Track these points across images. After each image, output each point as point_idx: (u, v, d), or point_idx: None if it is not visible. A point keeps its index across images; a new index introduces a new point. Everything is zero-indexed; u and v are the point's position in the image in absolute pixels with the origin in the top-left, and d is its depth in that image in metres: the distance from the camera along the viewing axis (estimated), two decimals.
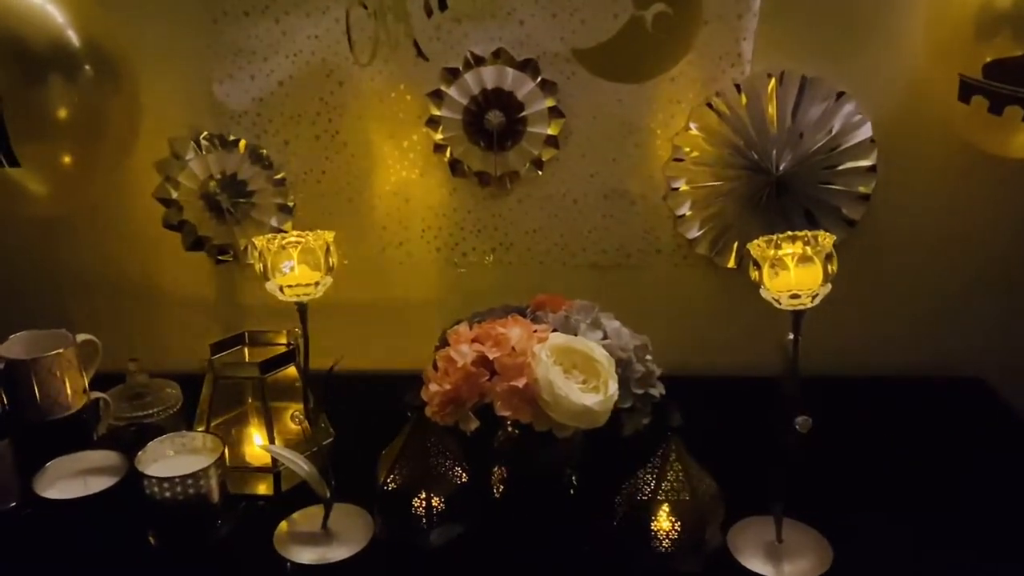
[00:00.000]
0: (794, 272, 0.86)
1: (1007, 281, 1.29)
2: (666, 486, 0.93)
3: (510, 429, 0.98)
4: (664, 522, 0.93)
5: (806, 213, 1.23)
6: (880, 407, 1.25)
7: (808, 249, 0.85)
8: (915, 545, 0.97)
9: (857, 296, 1.27)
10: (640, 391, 0.94)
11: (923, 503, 1.04)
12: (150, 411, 1.14)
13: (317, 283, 0.92)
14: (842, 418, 1.13)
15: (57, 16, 1.11)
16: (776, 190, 1.21)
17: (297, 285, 0.91)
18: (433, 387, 0.89)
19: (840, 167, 1.22)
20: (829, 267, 0.86)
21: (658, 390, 0.96)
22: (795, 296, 0.85)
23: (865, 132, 1.21)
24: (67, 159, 1.14)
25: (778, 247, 0.87)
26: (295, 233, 0.92)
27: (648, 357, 0.96)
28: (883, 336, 1.32)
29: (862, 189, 1.23)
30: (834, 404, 1.03)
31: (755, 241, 0.89)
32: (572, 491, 1.01)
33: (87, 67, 1.12)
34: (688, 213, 1.27)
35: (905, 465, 1.11)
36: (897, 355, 1.31)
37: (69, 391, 1.07)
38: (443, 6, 1.18)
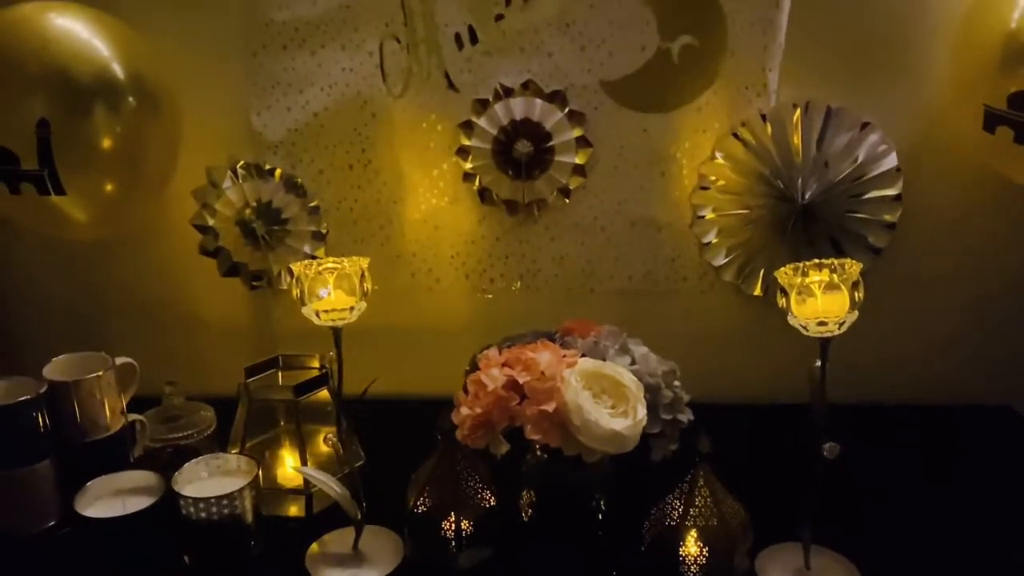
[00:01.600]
0: (821, 299, 0.87)
1: None
2: (694, 512, 0.94)
3: (539, 453, 0.99)
4: (692, 548, 0.93)
5: (832, 241, 1.24)
6: (907, 434, 1.25)
7: (835, 277, 0.87)
8: (943, 572, 0.97)
9: (884, 323, 1.27)
10: (668, 417, 0.95)
11: (951, 530, 1.04)
12: (185, 433, 1.16)
13: (352, 308, 0.95)
14: (870, 445, 1.13)
15: (103, 49, 1.15)
16: (802, 218, 1.23)
17: (333, 310, 0.94)
18: (464, 411, 0.91)
19: (866, 196, 1.23)
20: (856, 295, 0.87)
21: (686, 416, 0.97)
22: (822, 323, 0.86)
23: (890, 161, 1.22)
24: (109, 187, 1.17)
25: (805, 275, 0.88)
26: (331, 259, 0.95)
27: (676, 383, 0.97)
28: (910, 363, 1.32)
29: (888, 218, 1.24)
30: (862, 431, 1.04)
31: (782, 269, 0.90)
32: (600, 516, 1.01)
33: (131, 98, 1.16)
34: (714, 240, 1.28)
35: (933, 492, 1.11)
36: (925, 382, 1.31)
37: (108, 413, 1.09)
38: (474, 39, 1.22)
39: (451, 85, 1.24)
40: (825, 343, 0.89)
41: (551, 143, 1.24)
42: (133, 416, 1.14)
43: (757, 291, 1.29)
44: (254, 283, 1.33)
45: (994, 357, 1.31)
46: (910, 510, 1.08)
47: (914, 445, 1.22)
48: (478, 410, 0.90)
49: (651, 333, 1.05)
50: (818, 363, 0.91)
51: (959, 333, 1.31)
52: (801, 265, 0.89)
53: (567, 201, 1.29)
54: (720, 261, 1.29)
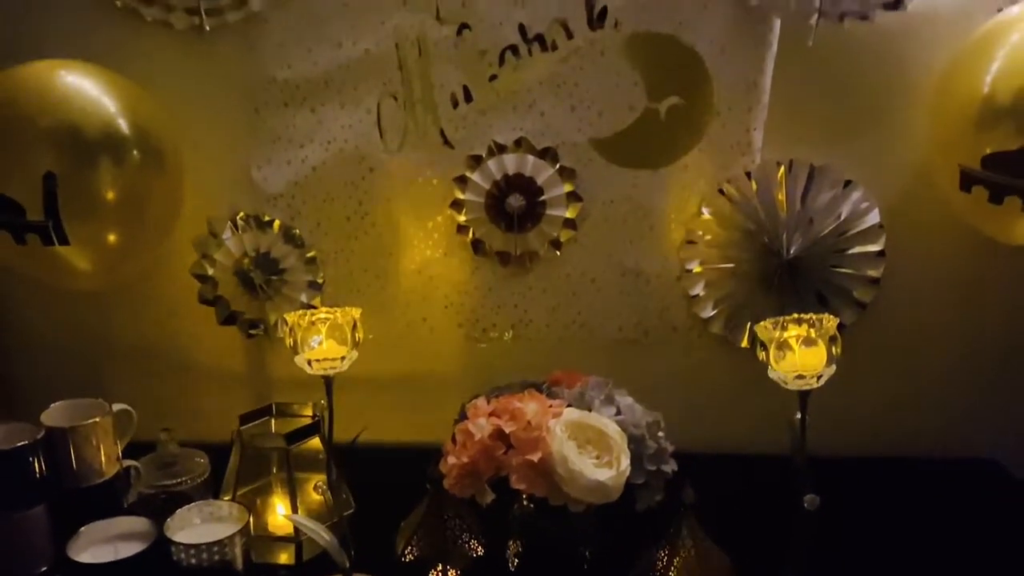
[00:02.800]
0: (799, 353, 0.89)
1: (1018, 361, 1.31)
2: (679, 562, 0.95)
3: (525, 503, 1.00)
4: None
5: (818, 295, 1.27)
6: (893, 486, 1.26)
7: (812, 331, 0.89)
8: None
9: (869, 376, 1.29)
10: (653, 467, 0.97)
11: None
12: (179, 480, 1.17)
13: (343, 358, 0.97)
14: (855, 497, 1.14)
15: (110, 105, 1.19)
16: (788, 272, 1.25)
17: (324, 359, 0.96)
18: (451, 459, 0.93)
19: (850, 251, 1.26)
20: (833, 349, 0.89)
21: (670, 467, 0.98)
22: (800, 377, 0.89)
23: (873, 218, 1.25)
24: (112, 237, 1.20)
25: (784, 329, 0.91)
26: (324, 310, 0.98)
27: (660, 433, 0.99)
28: (896, 416, 1.33)
29: (872, 273, 1.27)
30: (847, 483, 1.05)
31: (762, 323, 0.93)
32: (586, 566, 1.02)
33: (135, 152, 1.19)
34: (702, 293, 1.31)
35: (918, 544, 1.12)
36: (910, 435, 1.33)
37: (104, 459, 1.10)
38: (468, 98, 1.26)
39: (446, 141, 1.28)
40: (804, 396, 0.91)
41: (543, 197, 1.28)
42: (128, 462, 1.15)
43: (744, 343, 1.31)
44: (251, 331, 1.35)
45: (979, 410, 1.33)
46: (894, 562, 1.09)
47: (900, 497, 1.23)
48: (465, 459, 0.92)
49: (640, 383, 1.07)
50: (798, 415, 0.93)
51: (944, 386, 1.33)
52: (781, 320, 0.92)
53: (558, 253, 1.32)
54: (708, 313, 1.31)
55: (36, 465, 1.04)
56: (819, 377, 0.89)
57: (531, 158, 1.27)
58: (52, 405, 1.11)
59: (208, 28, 1.24)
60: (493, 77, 1.25)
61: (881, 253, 1.26)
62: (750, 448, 1.29)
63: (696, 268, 1.30)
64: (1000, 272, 1.28)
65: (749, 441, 1.29)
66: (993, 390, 1.33)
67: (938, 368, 1.32)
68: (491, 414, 0.94)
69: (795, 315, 0.92)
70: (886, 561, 1.09)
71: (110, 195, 1.17)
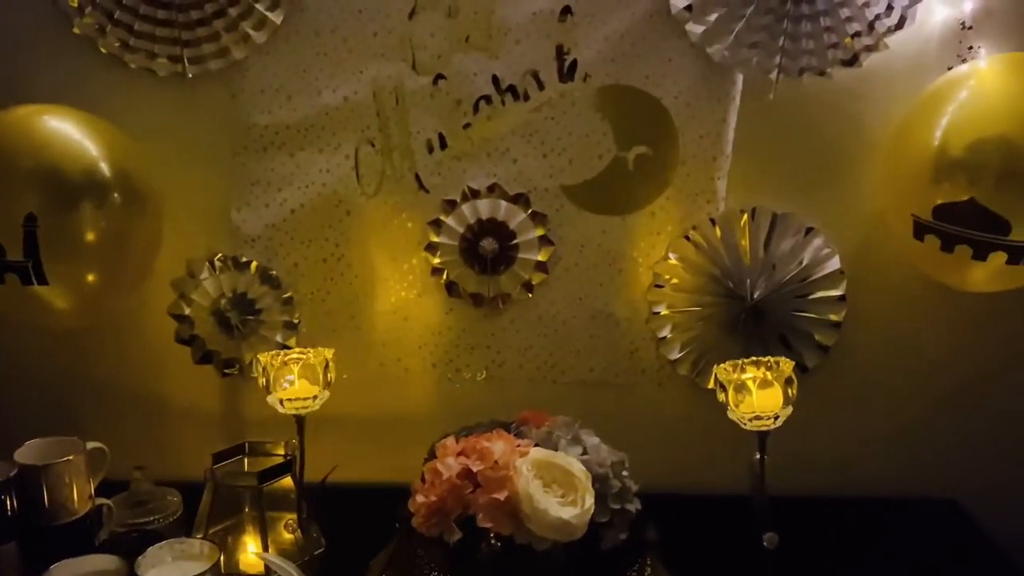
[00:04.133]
0: (756, 395, 0.92)
1: (976, 405, 1.35)
2: None
3: (493, 542, 1.01)
4: None
5: (781, 338, 1.31)
6: (852, 527, 1.28)
7: (769, 374, 0.92)
8: None
9: (831, 418, 1.33)
10: (617, 506, 0.99)
11: None
12: (151, 518, 1.17)
13: (315, 397, 0.99)
14: (814, 537, 1.17)
15: (92, 149, 1.21)
16: (752, 316, 1.29)
17: (296, 399, 0.98)
18: (420, 498, 0.94)
19: (812, 296, 1.30)
20: (789, 391, 0.92)
21: (634, 506, 1.00)
22: (757, 418, 0.92)
23: (834, 264, 1.30)
24: (91, 278, 1.22)
25: (742, 371, 0.94)
26: (297, 350, 1.00)
27: (625, 473, 1.01)
28: (856, 456, 1.37)
29: (833, 317, 1.31)
30: (807, 523, 1.07)
31: (722, 365, 0.96)
32: None
33: (116, 194, 1.21)
34: (670, 335, 1.34)
35: None
36: (870, 475, 1.36)
37: (76, 497, 1.10)
38: (444, 145, 1.30)
39: (422, 186, 1.32)
40: (763, 436, 0.94)
41: (515, 241, 1.31)
42: (101, 500, 1.15)
43: (710, 384, 1.33)
44: (226, 371, 1.37)
45: (938, 451, 1.36)
46: None
47: (859, 537, 1.26)
48: (433, 498, 0.93)
49: (610, 423, 1.09)
50: (758, 456, 0.95)
51: (904, 428, 1.36)
52: (740, 362, 0.95)
53: (530, 295, 1.35)
54: (675, 355, 1.35)
55: (8, 502, 1.05)
56: (775, 418, 0.92)
57: (504, 203, 1.31)
58: (26, 443, 1.12)
59: (191, 75, 1.28)
60: (467, 125, 1.29)
61: (842, 298, 1.30)
62: (716, 488, 1.31)
63: (664, 311, 1.33)
64: (956, 316, 1.32)
65: (715, 482, 1.31)
66: (952, 432, 1.36)
67: (897, 409, 1.36)
68: (459, 453, 0.96)
69: (754, 358, 0.95)
70: None
71: (90, 236, 1.19)
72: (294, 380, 0.98)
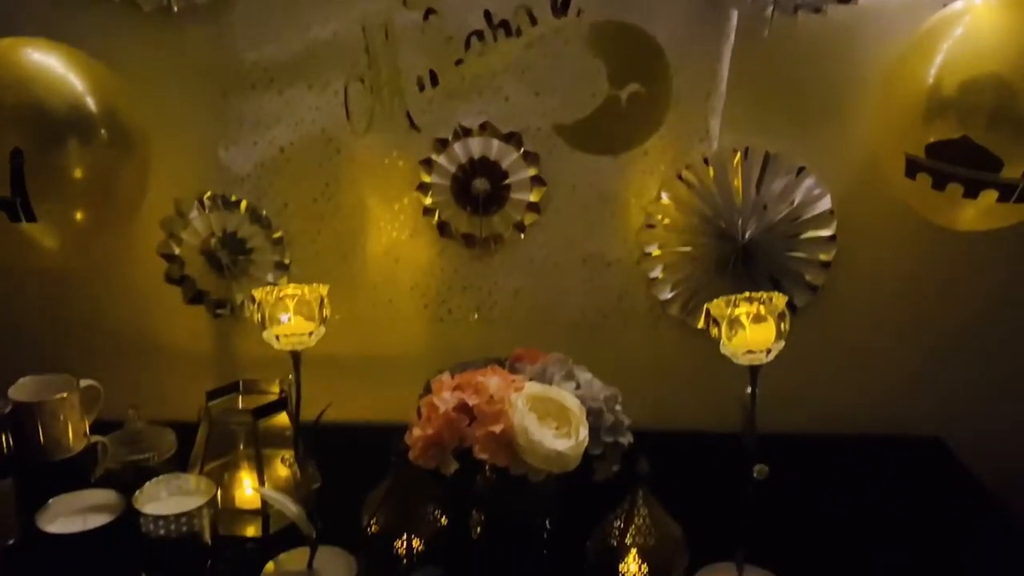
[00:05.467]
0: (749, 330, 0.93)
1: (963, 343, 1.37)
2: (634, 531, 0.99)
3: (488, 474, 1.03)
4: (632, 566, 0.98)
5: (771, 278, 1.31)
6: (840, 464, 1.30)
7: (762, 308, 0.93)
8: None
9: (820, 357, 1.34)
10: (610, 439, 1.00)
11: (878, 555, 1.10)
12: (146, 455, 1.18)
13: (311, 333, 0.99)
14: (803, 474, 1.19)
15: (77, 84, 1.19)
16: (743, 256, 1.30)
17: (292, 335, 0.98)
18: (416, 432, 0.95)
19: (802, 236, 1.30)
20: (782, 325, 0.93)
21: (627, 439, 1.02)
22: (750, 352, 0.93)
23: (825, 204, 1.30)
24: (79, 216, 1.21)
25: (735, 306, 0.95)
26: (292, 286, 1.00)
27: (618, 407, 1.03)
28: (845, 395, 1.38)
29: (823, 257, 1.31)
30: (795, 460, 1.09)
31: (715, 301, 0.96)
32: (546, 535, 1.06)
33: (103, 131, 1.20)
34: (660, 276, 1.35)
35: (861, 516, 1.17)
36: (858, 414, 1.38)
37: (71, 434, 1.12)
38: (435, 82, 1.28)
39: (412, 125, 1.30)
40: (754, 371, 0.95)
41: (507, 181, 1.31)
42: (96, 438, 1.16)
43: (700, 324, 1.33)
44: (217, 311, 1.36)
45: (924, 390, 1.38)
46: (839, 533, 1.14)
47: (846, 474, 1.28)
48: (430, 431, 0.94)
49: (600, 363, 1.10)
50: (749, 390, 0.97)
51: (891, 367, 1.38)
52: (733, 298, 0.96)
53: (522, 236, 1.35)
54: (666, 296, 1.35)
55: (3, 439, 1.06)
56: (768, 352, 0.93)
57: (496, 142, 1.30)
58: (19, 380, 1.12)
59: (176, 9, 1.25)
60: (459, 62, 1.27)
61: (832, 238, 1.31)
62: (705, 426, 1.33)
63: (655, 251, 1.34)
64: (945, 256, 1.33)
65: (704, 419, 1.33)
66: (938, 371, 1.38)
67: (885, 349, 1.38)
68: (455, 388, 0.97)
69: (747, 294, 0.96)
70: (830, 531, 1.14)
71: (77, 174, 1.18)
72: (290, 317, 0.98)
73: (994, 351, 1.37)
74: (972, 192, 1.11)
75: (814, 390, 1.35)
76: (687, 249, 1.32)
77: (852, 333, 1.37)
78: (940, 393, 1.39)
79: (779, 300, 0.94)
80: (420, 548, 1.02)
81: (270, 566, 1.06)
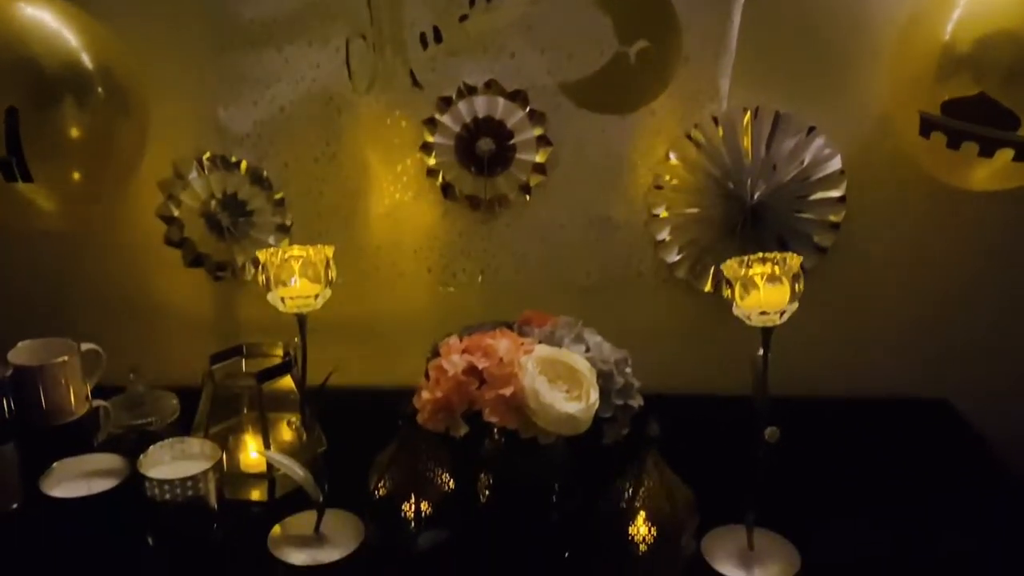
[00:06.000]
0: (763, 291, 0.92)
1: (971, 307, 1.36)
2: (644, 494, 0.97)
3: (496, 437, 1.02)
4: (641, 529, 0.97)
5: (779, 240, 1.30)
6: (848, 426, 1.30)
7: (776, 269, 0.92)
8: (878, 554, 1.03)
9: (827, 320, 1.33)
10: (620, 402, 0.99)
11: (886, 516, 1.09)
12: (149, 419, 1.18)
13: (317, 295, 0.97)
14: (811, 436, 1.18)
15: (72, 40, 1.16)
16: (751, 218, 1.28)
17: (298, 297, 0.96)
18: (425, 395, 0.94)
19: (811, 197, 1.28)
20: (796, 286, 0.92)
21: (637, 401, 1.01)
22: (764, 313, 0.91)
23: (835, 164, 1.28)
24: (76, 176, 1.19)
25: (749, 267, 0.93)
26: (297, 247, 0.97)
27: (628, 370, 1.01)
28: (852, 358, 1.38)
29: (832, 218, 1.29)
30: (804, 423, 1.08)
31: (728, 261, 0.95)
32: (554, 498, 1.05)
33: (99, 90, 1.17)
34: (668, 238, 1.33)
35: (870, 479, 1.17)
36: (865, 376, 1.37)
37: (73, 398, 1.10)
38: (438, 39, 1.25)
39: (416, 83, 1.27)
40: (767, 332, 0.94)
41: (513, 141, 1.28)
42: (98, 402, 1.15)
43: (708, 287, 1.34)
44: (218, 274, 1.35)
45: (931, 352, 1.38)
46: (848, 495, 1.13)
47: (854, 436, 1.28)
48: (438, 394, 0.93)
49: (607, 326, 1.08)
50: (760, 352, 0.95)
51: (899, 329, 1.37)
52: (746, 258, 0.94)
53: (528, 198, 1.33)
54: (673, 258, 1.34)
55: (4, 404, 1.04)
56: (782, 313, 0.91)
57: (501, 101, 1.27)
58: (19, 344, 1.11)
59: None
60: (464, 18, 1.24)
61: (842, 199, 1.29)
62: (711, 389, 1.33)
63: (663, 213, 1.32)
64: (954, 217, 1.32)
65: (711, 383, 1.33)
66: (945, 332, 1.37)
67: (893, 311, 1.37)
68: (464, 351, 0.96)
69: (760, 254, 0.94)
70: (839, 494, 1.13)
71: (74, 132, 1.15)
72: (296, 279, 0.96)
73: (1001, 313, 1.36)
74: (988, 151, 1.09)
75: (819, 352, 1.34)
76: (695, 211, 1.30)
77: (860, 295, 1.36)
78: (946, 355, 1.38)
79: (794, 261, 0.92)
80: (428, 511, 1.01)
81: (277, 529, 1.06)
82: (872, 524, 1.08)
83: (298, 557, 1.01)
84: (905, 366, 1.38)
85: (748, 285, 0.92)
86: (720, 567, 1.00)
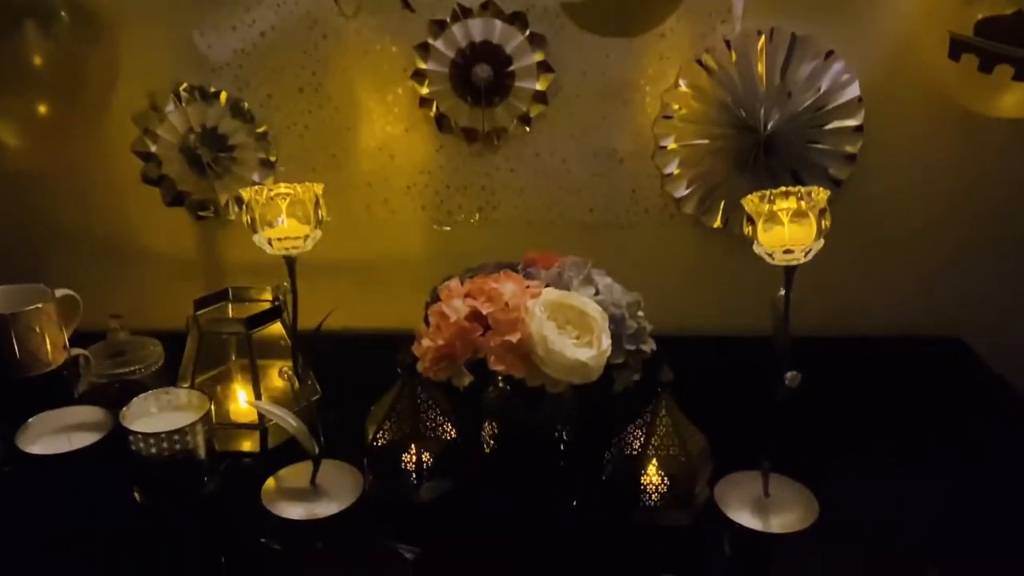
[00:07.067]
0: (788, 227, 0.86)
1: (990, 242, 1.31)
2: (656, 441, 0.94)
3: (501, 385, 0.97)
4: (653, 476, 0.94)
5: (793, 173, 1.24)
6: (863, 366, 1.26)
7: (803, 204, 0.85)
8: (896, 498, 0.99)
9: (841, 256, 1.27)
10: (632, 347, 0.94)
11: (904, 457, 1.06)
12: (132, 368, 1.12)
13: (306, 236, 0.91)
14: (825, 376, 1.13)
15: None
16: (764, 149, 1.21)
17: (286, 238, 0.90)
18: (426, 342, 0.88)
19: (827, 126, 1.22)
20: (823, 222, 0.86)
21: (649, 346, 0.96)
22: (788, 251, 0.85)
23: (853, 91, 1.21)
24: (42, 109, 1.11)
25: (772, 202, 0.87)
26: (283, 185, 0.90)
27: (640, 313, 0.96)
28: (866, 295, 1.33)
29: (849, 149, 1.23)
30: (818, 363, 1.04)
31: (749, 196, 0.88)
32: (562, 446, 1.01)
33: (63, 14, 1.09)
34: (676, 172, 1.26)
35: (887, 421, 1.13)
36: (879, 315, 1.33)
37: (49, 347, 1.04)
38: None
39: (406, 4, 1.19)
40: (790, 271, 0.88)
41: (511, 68, 1.20)
42: (76, 351, 1.09)
43: (717, 223, 1.28)
44: (200, 213, 1.28)
45: (946, 290, 1.33)
46: (865, 439, 1.10)
47: (869, 376, 1.24)
48: (440, 342, 0.87)
49: (612, 266, 1.02)
50: (782, 292, 0.90)
51: (914, 266, 1.32)
52: (768, 193, 0.88)
53: (528, 130, 1.26)
54: (681, 193, 1.27)
55: None
56: (807, 251, 0.86)
57: (499, 23, 1.19)
58: None
59: None
60: None
61: (859, 128, 1.22)
62: (720, 330, 1.29)
63: (671, 145, 1.25)
64: (974, 147, 1.26)
65: (720, 323, 1.29)
66: (964, 269, 1.32)
67: (906, 247, 1.32)
68: (466, 295, 0.90)
69: (783, 188, 0.88)
70: (855, 437, 1.10)
71: (37, 61, 1.07)
72: (283, 219, 0.89)
73: (1018, 247, 1.31)
74: (1022, 74, 1.02)
75: (833, 289, 1.29)
76: (705, 142, 1.24)
77: (875, 230, 1.31)
78: (961, 293, 1.33)
79: (820, 195, 0.86)
80: (429, 462, 0.97)
81: (271, 482, 1.01)
82: (890, 467, 1.04)
83: (294, 511, 0.96)
84: (920, 304, 1.33)
85: (771, 221, 0.86)
86: (734, 515, 0.96)
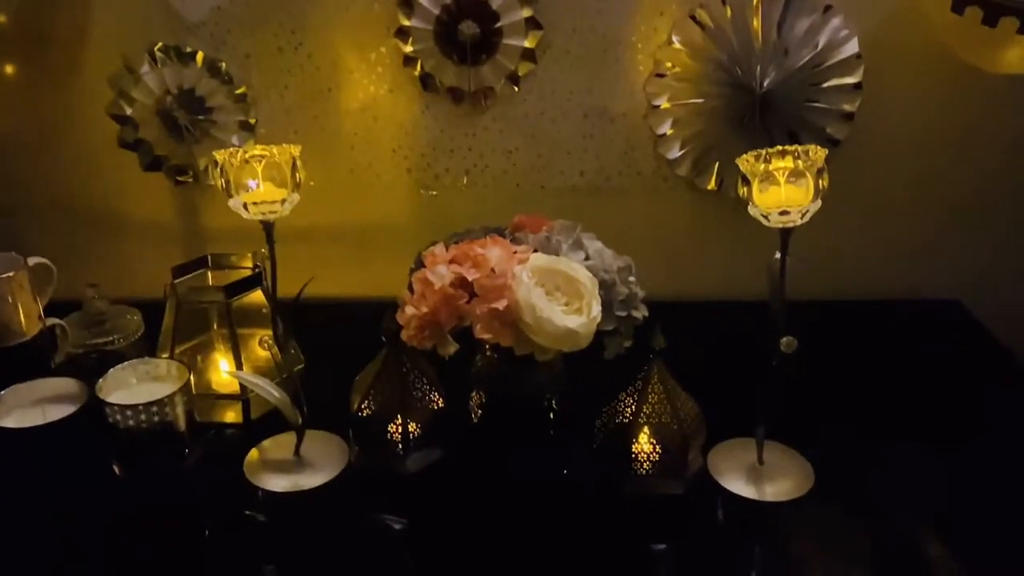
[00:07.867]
0: (784, 188, 0.82)
1: (990, 203, 1.28)
2: (647, 409, 0.91)
3: (489, 353, 0.95)
4: (645, 445, 0.92)
5: (790, 133, 1.20)
6: (859, 329, 1.25)
7: (800, 163, 0.82)
8: (893, 465, 0.97)
9: (838, 217, 1.24)
10: (623, 313, 0.91)
11: (901, 423, 1.04)
12: (110, 338, 1.09)
13: (283, 200, 0.87)
14: (819, 341, 1.11)
15: None
16: (759, 108, 1.18)
17: (262, 202, 0.86)
18: (410, 310, 0.86)
19: (825, 84, 1.18)
20: (820, 183, 0.83)
21: (641, 312, 0.93)
22: (785, 212, 0.82)
23: (851, 48, 1.17)
24: (8, 70, 1.07)
25: (768, 162, 0.84)
26: (259, 147, 0.87)
27: (631, 279, 0.93)
28: (861, 257, 1.30)
29: (847, 107, 1.20)
30: (812, 327, 1.02)
31: (744, 156, 0.85)
32: (552, 415, 0.99)
33: None
34: (669, 132, 1.23)
35: (884, 387, 1.11)
36: (876, 276, 1.31)
37: (22, 317, 1.01)
38: None
39: None
40: (786, 234, 0.85)
41: (499, 24, 1.16)
42: (52, 320, 1.06)
43: (711, 185, 1.25)
44: (179, 178, 1.25)
45: (944, 252, 1.31)
46: (861, 405, 1.08)
47: (865, 340, 1.22)
48: (424, 309, 0.85)
49: (604, 230, 1.00)
50: (778, 255, 0.87)
51: (914, 227, 1.29)
52: (764, 152, 0.85)
53: (516, 89, 1.22)
54: (675, 154, 1.24)
55: None
56: (804, 213, 0.82)
57: None
58: None
59: None
60: None
61: (858, 86, 1.19)
62: (716, 295, 1.26)
63: (664, 104, 1.21)
64: (978, 110, 1.22)
65: (715, 288, 1.27)
66: (963, 231, 1.30)
67: (909, 208, 1.28)
68: (451, 261, 0.87)
69: (779, 148, 0.85)
70: (851, 402, 1.08)
71: (1, 19, 1.02)
72: (259, 183, 0.85)
73: (1018, 211, 1.28)
74: None
75: (829, 253, 1.27)
76: (699, 101, 1.20)
77: (873, 191, 1.28)
78: (959, 255, 1.31)
79: (818, 154, 0.83)
80: (416, 432, 0.95)
81: (254, 453, 0.99)
82: (886, 434, 1.02)
83: (278, 483, 0.94)
84: (919, 267, 1.31)
85: (767, 181, 0.83)
86: (728, 483, 0.94)
